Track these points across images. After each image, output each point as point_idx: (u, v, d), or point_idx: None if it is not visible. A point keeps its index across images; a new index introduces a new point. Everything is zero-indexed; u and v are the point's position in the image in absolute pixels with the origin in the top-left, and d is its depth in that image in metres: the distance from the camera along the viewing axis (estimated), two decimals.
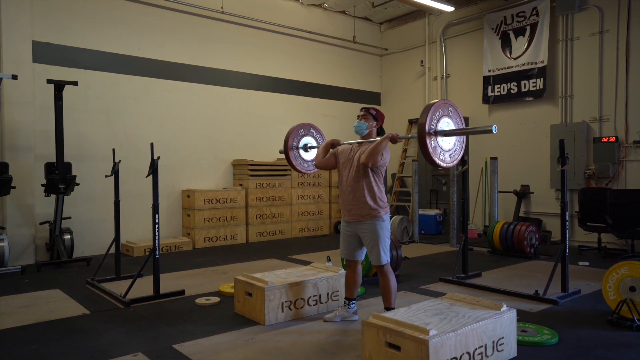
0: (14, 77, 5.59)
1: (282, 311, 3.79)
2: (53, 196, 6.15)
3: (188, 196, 7.59)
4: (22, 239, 6.29)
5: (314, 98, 9.49)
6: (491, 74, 8.50)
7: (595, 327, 3.63)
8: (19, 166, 6.23)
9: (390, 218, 7.94)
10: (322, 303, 4.04)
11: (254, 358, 3.05)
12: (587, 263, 6.05)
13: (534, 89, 7.91)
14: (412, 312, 2.99)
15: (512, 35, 8.21)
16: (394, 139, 3.50)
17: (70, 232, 6.38)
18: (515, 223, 6.71)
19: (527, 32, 7.98)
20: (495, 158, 7.54)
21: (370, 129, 3.70)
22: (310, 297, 3.97)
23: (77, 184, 6.26)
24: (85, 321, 3.85)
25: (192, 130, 7.90)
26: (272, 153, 8.73)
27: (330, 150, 3.86)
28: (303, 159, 4.29)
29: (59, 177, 5.96)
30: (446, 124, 3.23)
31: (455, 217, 7.56)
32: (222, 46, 8.26)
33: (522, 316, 3.87)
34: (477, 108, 8.90)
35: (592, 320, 3.81)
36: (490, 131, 3.12)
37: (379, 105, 10.74)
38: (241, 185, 8.11)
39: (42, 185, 6.03)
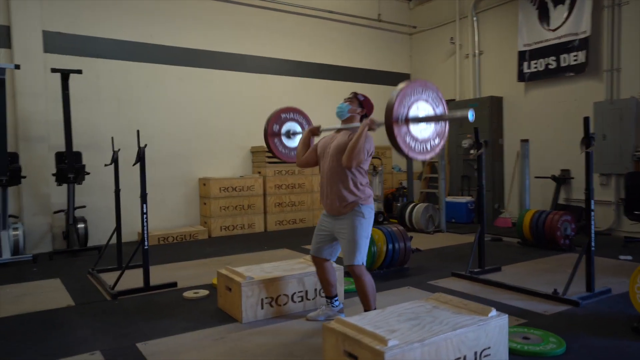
0: (17, 66, 5.60)
1: (262, 308, 3.53)
2: (66, 185, 6.19)
3: (204, 184, 7.47)
4: (39, 227, 6.39)
5: (335, 81, 9.09)
6: (527, 48, 7.78)
7: (616, 336, 3.12)
8: (33, 156, 6.30)
9: (415, 206, 7.52)
10: (309, 300, 3.74)
11: None
12: (629, 257, 5.39)
13: (575, 63, 7.15)
14: (383, 316, 2.64)
15: (550, 4, 7.45)
16: (371, 127, 3.10)
17: (84, 220, 6.41)
18: (549, 212, 6.10)
19: (568, 0, 7.21)
20: (527, 140, 6.89)
21: (352, 113, 3.33)
22: (295, 293, 3.68)
23: (87, 173, 6.25)
24: (65, 314, 3.75)
25: (207, 118, 7.75)
26: None
27: (312, 145, 3.51)
28: (286, 146, 3.92)
29: (68, 167, 5.97)
30: (422, 109, 2.81)
31: (484, 204, 7.00)
32: (237, 30, 8.03)
33: (532, 319, 3.41)
34: (511, 87, 8.21)
35: (615, 326, 3.29)
36: (466, 118, 2.67)
37: None
38: (259, 172, 7.91)
39: (53, 174, 6.06)
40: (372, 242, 4.63)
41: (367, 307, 3.21)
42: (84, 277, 4.94)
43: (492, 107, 8.36)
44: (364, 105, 3.35)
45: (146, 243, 4.33)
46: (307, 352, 2.92)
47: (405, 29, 10.04)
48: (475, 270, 4.65)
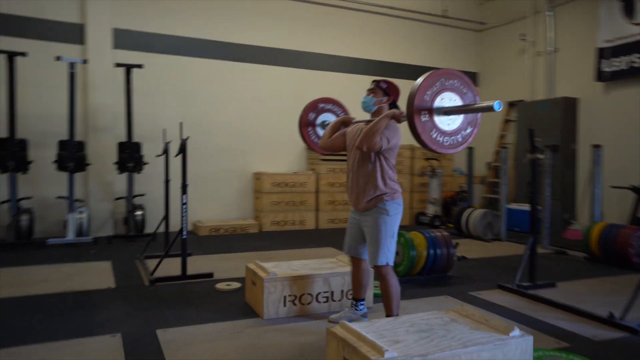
0: (85, 61, 5.97)
1: (285, 305, 3.47)
2: (127, 174, 6.52)
3: (257, 179, 7.57)
4: (102, 212, 6.79)
5: (396, 79, 8.78)
6: (608, 44, 7.10)
7: None
8: (99, 146, 6.71)
9: (473, 211, 7.12)
10: (335, 301, 3.63)
11: (222, 354, 2.79)
12: None
13: None
14: (394, 324, 2.48)
15: None
16: (396, 117, 2.94)
17: (142, 208, 6.72)
18: (621, 225, 5.52)
19: None
20: (599, 146, 6.27)
21: (379, 105, 3.17)
22: (320, 293, 3.58)
23: (146, 163, 6.54)
24: (103, 295, 3.93)
25: (264, 113, 7.84)
26: None
27: (341, 129, 3.40)
28: (319, 136, 3.81)
29: (128, 156, 6.27)
30: (448, 100, 2.59)
31: (548, 214, 6.51)
32: (296, 27, 8.05)
33: (576, 344, 3.07)
34: (588, 87, 7.54)
35: None
36: (492, 109, 2.43)
37: (476, 86, 9.69)
38: (313, 169, 7.88)
39: (115, 163, 6.41)
40: (412, 246, 4.42)
41: (389, 312, 3.05)
42: (132, 262, 5.15)
43: (565, 109, 7.73)
44: (388, 92, 3.19)
45: (184, 233, 4.43)
46: (319, 355, 2.81)
47: (473, 26, 9.56)
48: (524, 284, 4.29)
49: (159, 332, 3.12)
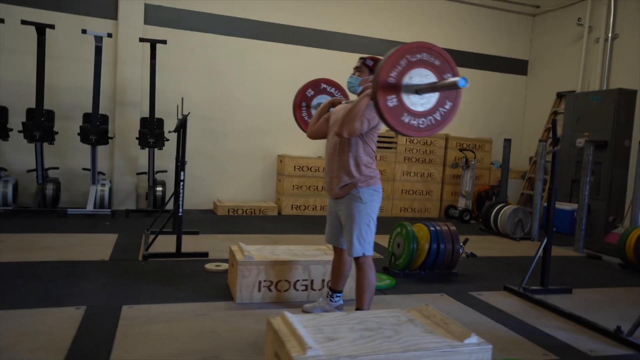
0: (109, 35, 6.03)
1: (259, 291, 3.33)
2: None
3: (281, 161, 7.46)
4: (126, 186, 6.94)
5: None
6: None
7: None
8: (125, 120, 6.83)
9: (503, 207, 6.65)
10: (315, 290, 3.45)
11: (174, 336, 2.69)
12: None
13: None
14: (341, 320, 2.27)
15: None
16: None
17: (163, 184, 6.80)
18: None
19: None
20: None
21: (365, 84, 2.92)
22: (299, 280, 3.41)
23: (167, 140, 6.58)
24: (92, 267, 3.95)
25: (292, 94, 7.63)
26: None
27: (330, 111, 3.18)
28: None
29: (149, 132, 6.34)
30: (419, 77, 2.30)
31: (584, 215, 5.96)
32: (327, 6, 7.79)
33: (568, 357, 2.73)
34: None
35: None
36: (456, 85, 2.13)
37: (525, 75, 9.06)
38: None
39: (136, 138, 6.50)
40: (414, 239, 4.15)
41: (359, 305, 2.86)
42: (139, 237, 5.19)
43: (619, 102, 7.01)
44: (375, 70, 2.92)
45: (180, 210, 4.39)
46: None
47: (527, 9, 8.89)
48: (533, 287, 3.92)
49: (125, 308, 3.07)
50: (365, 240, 2.82)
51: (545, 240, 3.94)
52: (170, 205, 6.81)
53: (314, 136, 3.13)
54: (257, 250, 3.59)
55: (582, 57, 7.93)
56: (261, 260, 3.34)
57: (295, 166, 7.28)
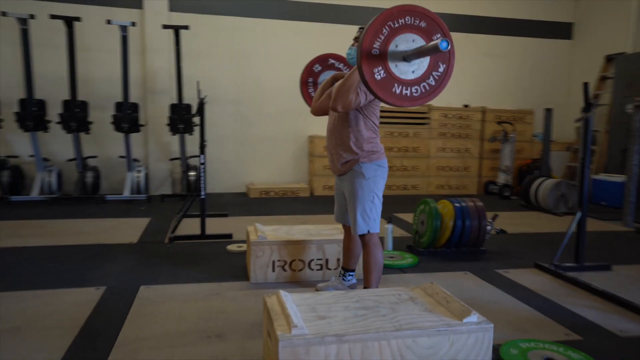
0: (133, 24, 6.13)
1: (274, 271, 3.32)
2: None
3: (312, 142, 7.40)
4: (161, 172, 7.12)
5: (469, 34, 8.01)
6: None
7: None
8: (156, 107, 6.97)
9: (544, 181, 6.31)
10: (330, 269, 3.40)
11: (182, 315, 2.72)
12: None
13: None
14: (338, 298, 2.21)
15: None
16: None
17: (196, 169, 6.92)
18: None
19: None
20: None
21: None
22: (314, 260, 3.37)
23: (196, 125, 6.66)
24: (119, 250, 4.07)
25: None
26: None
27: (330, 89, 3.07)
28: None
29: (178, 118, 6.44)
30: (405, 42, 2.16)
31: (634, 186, 5.55)
32: None
33: (594, 338, 2.55)
34: None
35: None
36: (438, 49, 1.97)
37: (570, 39, 8.50)
38: None
39: (167, 125, 6.62)
40: (437, 216, 4.00)
41: (367, 284, 2.79)
42: (169, 221, 5.29)
43: None
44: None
45: (203, 193, 4.44)
46: None
47: None
48: (567, 264, 3.69)
49: (142, 288, 3.15)
50: (370, 217, 2.72)
51: (579, 214, 3.69)
52: (217, 188, 6.99)
53: (317, 112, 3.01)
54: (272, 231, 3.57)
55: (634, 14, 7.32)
56: (274, 240, 3.32)
57: (324, 146, 7.18)
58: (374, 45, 2.11)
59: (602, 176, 7.11)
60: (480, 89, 8.14)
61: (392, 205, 6.35)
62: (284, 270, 3.34)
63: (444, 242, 4.07)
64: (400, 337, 1.88)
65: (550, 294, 3.22)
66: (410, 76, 2.20)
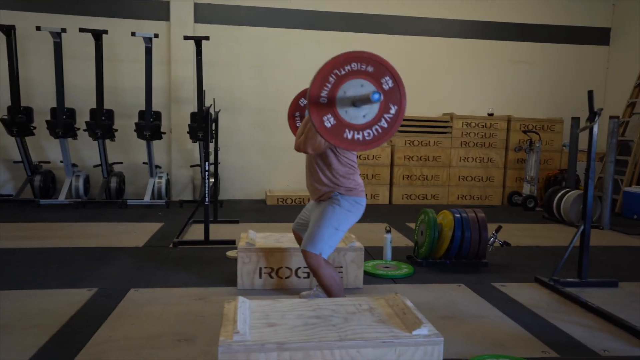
0: (156, 35, 6.37)
1: (260, 277, 3.35)
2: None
3: None
4: (183, 178, 7.33)
5: (496, 41, 7.83)
6: None
7: None
8: (180, 116, 7.19)
9: (567, 193, 6.04)
10: None
11: (162, 319, 2.79)
12: None
13: None
14: (294, 306, 2.20)
15: None
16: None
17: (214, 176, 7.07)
18: None
19: None
20: None
21: None
22: (300, 267, 3.38)
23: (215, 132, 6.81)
24: (124, 253, 4.22)
25: None
26: (436, 107, 7.74)
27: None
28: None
29: (197, 125, 6.62)
30: (358, 87, 2.17)
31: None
32: None
33: (572, 356, 2.43)
34: None
35: None
36: (369, 100, 2.03)
37: (606, 45, 8.15)
38: (390, 141, 7.45)
39: (187, 132, 6.81)
40: (435, 226, 3.92)
41: None
42: (179, 225, 5.41)
43: None
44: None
45: (207, 199, 4.54)
46: None
47: None
48: (568, 280, 3.53)
49: (132, 291, 3.25)
50: (327, 242, 2.67)
51: (582, 227, 3.52)
52: (221, 196, 7.13)
53: (299, 149, 2.82)
54: (263, 238, 3.61)
55: None
56: (261, 247, 3.35)
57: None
58: (322, 94, 2.15)
59: (635, 188, 6.76)
60: (505, 97, 7.92)
61: (407, 215, 6.30)
62: (271, 277, 3.37)
63: (443, 253, 3.98)
64: (344, 347, 1.86)
65: (543, 309, 3.09)
66: (362, 120, 2.22)
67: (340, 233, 2.71)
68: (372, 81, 2.18)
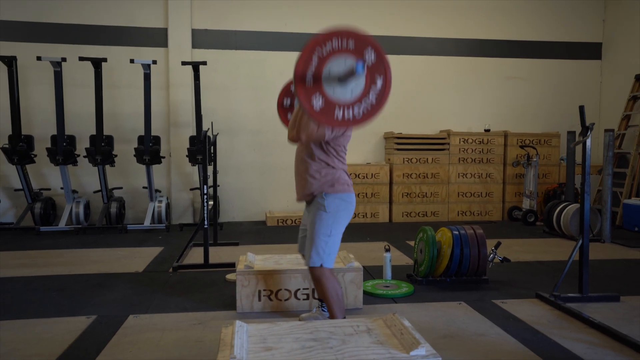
0: (154, 62, 6.46)
1: (260, 300, 3.35)
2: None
3: None
4: (183, 202, 7.34)
5: (491, 58, 7.92)
6: None
7: None
8: (179, 139, 7.24)
9: (567, 206, 6.04)
10: (317, 299, 3.37)
11: (160, 345, 2.78)
12: None
13: None
14: (294, 329, 2.20)
15: None
16: None
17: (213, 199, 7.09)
18: None
19: None
20: None
21: None
22: (300, 289, 3.37)
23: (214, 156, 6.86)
24: (123, 279, 4.21)
25: None
26: (433, 124, 7.79)
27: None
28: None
29: (196, 149, 6.66)
30: (337, 66, 2.20)
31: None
32: (371, 10, 7.68)
33: None
34: None
35: None
36: (354, 73, 2.02)
37: (598, 59, 8.24)
38: (389, 159, 7.48)
39: (186, 156, 6.86)
40: (434, 244, 3.92)
41: (332, 317, 2.74)
42: (179, 249, 5.40)
43: None
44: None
45: (206, 223, 4.55)
46: None
47: None
48: (569, 295, 3.51)
49: (130, 317, 3.24)
50: (325, 251, 2.68)
51: (580, 241, 3.52)
52: (220, 218, 7.14)
53: (294, 140, 2.87)
54: (262, 260, 3.61)
55: None
56: (259, 270, 3.35)
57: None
58: (307, 75, 2.17)
59: (634, 200, 6.76)
60: (502, 113, 7.98)
61: (408, 233, 6.29)
62: (270, 299, 3.36)
63: (443, 271, 3.97)
64: None
65: (543, 326, 3.07)
66: (349, 96, 2.24)
67: (336, 237, 2.72)
68: (355, 55, 2.22)
